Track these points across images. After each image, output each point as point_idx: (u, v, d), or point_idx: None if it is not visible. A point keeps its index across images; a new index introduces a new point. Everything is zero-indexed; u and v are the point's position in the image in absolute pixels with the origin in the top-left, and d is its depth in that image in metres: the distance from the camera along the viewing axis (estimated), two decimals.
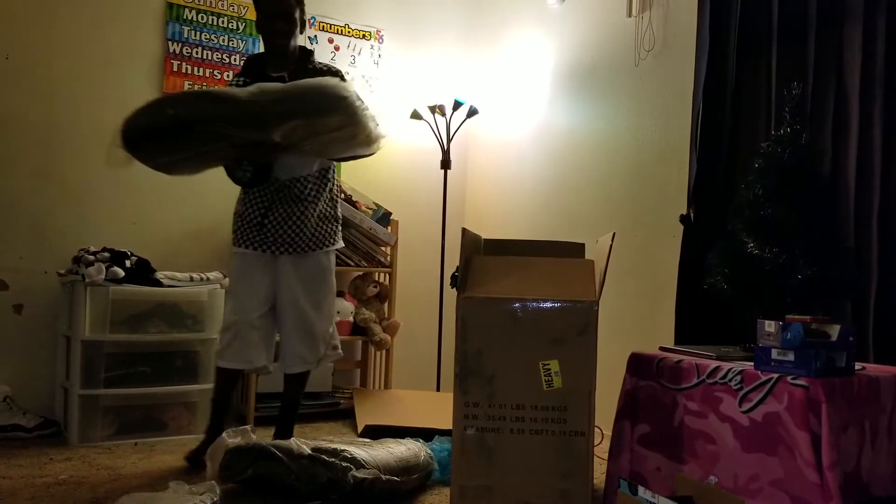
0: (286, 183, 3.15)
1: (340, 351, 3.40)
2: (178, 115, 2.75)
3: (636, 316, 3.81)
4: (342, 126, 2.86)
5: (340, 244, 3.36)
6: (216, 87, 2.84)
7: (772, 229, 2.53)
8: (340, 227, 3.36)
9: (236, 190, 4.23)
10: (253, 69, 3.20)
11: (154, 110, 2.82)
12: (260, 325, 3.20)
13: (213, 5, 4.25)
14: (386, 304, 4.49)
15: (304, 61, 3.21)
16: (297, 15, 3.16)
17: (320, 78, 2.92)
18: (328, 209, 3.27)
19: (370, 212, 4.36)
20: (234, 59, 4.28)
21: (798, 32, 3.08)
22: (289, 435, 3.27)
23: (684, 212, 3.40)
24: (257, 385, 3.97)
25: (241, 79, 3.15)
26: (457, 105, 4.55)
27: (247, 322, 3.18)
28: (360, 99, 2.91)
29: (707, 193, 3.33)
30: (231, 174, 3.13)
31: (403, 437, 3.13)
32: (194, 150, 2.85)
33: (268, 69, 3.15)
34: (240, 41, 4.30)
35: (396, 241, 4.44)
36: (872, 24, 2.85)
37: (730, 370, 2.38)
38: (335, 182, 3.33)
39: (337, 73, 3.19)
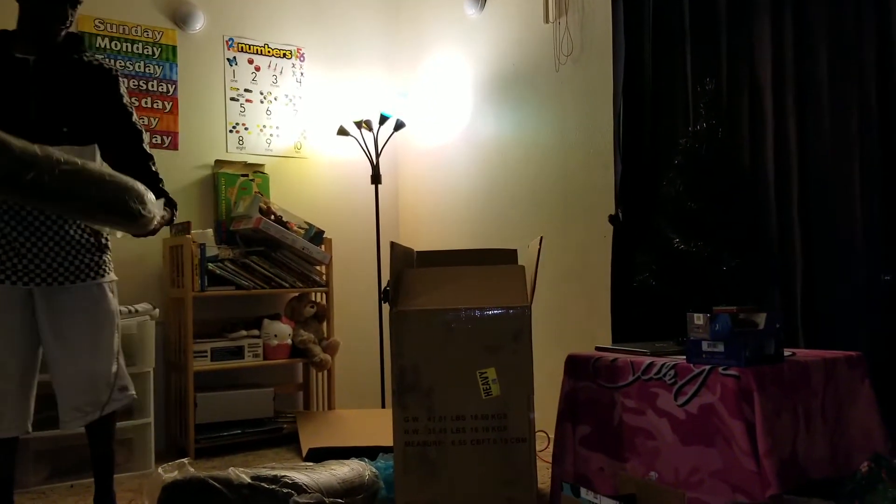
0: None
1: (133, 392, 2.82)
2: None
3: (574, 318, 3.83)
4: (118, 223, 2.47)
5: (112, 276, 2.75)
6: None
7: (695, 224, 2.57)
8: (109, 258, 2.76)
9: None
10: None
11: None
12: (17, 379, 2.60)
13: (127, 32, 4.16)
14: (324, 324, 4.44)
15: (68, 49, 2.64)
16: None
17: (132, 182, 2.41)
18: (85, 237, 2.65)
19: (302, 231, 4.31)
20: (152, 86, 4.20)
21: (710, 29, 3.15)
22: (108, 499, 2.79)
23: (613, 212, 3.44)
24: (196, 416, 3.88)
25: None
26: (383, 119, 4.54)
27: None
28: (153, 209, 2.51)
29: (634, 192, 3.37)
30: None
31: (348, 458, 3.08)
32: None
33: (14, 48, 2.56)
34: (156, 67, 4.22)
35: (331, 260, 4.39)
36: (780, 17, 2.93)
37: (663, 365, 2.40)
38: None
39: (110, 73, 2.71)
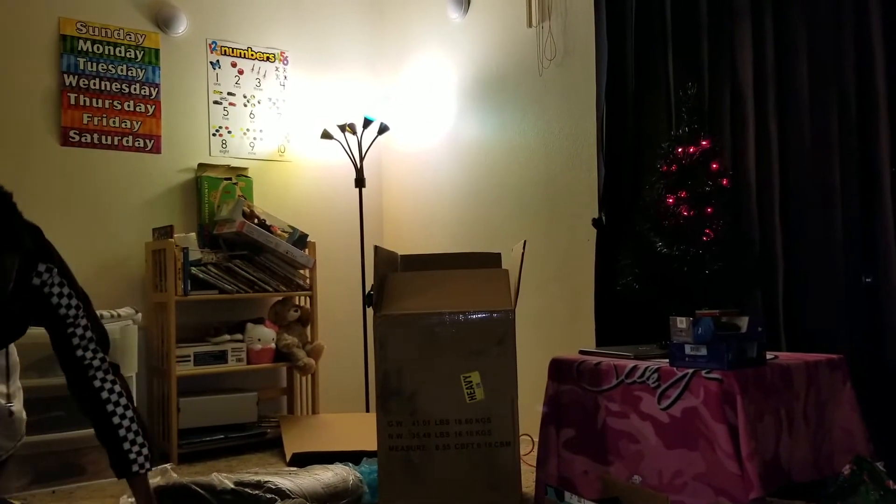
0: None
1: None
2: None
3: (559, 321, 3.84)
4: None
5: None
6: None
7: (677, 227, 2.58)
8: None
9: (145, 222, 4.15)
10: None
11: None
12: None
13: (109, 35, 4.13)
14: (308, 328, 4.42)
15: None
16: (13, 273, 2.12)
17: None
18: None
19: (286, 235, 4.29)
20: (134, 89, 4.18)
21: (691, 34, 3.17)
22: None
23: (596, 215, 3.44)
24: (179, 421, 3.86)
25: None
26: (367, 122, 4.53)
27: None
28: None
29: (617, 195, 3.38)
30: None
31: (332, 463, 3.08)
32: None
33: None
34: (139, 70, 4.20)
35: (315, 264, 4.38)
36: (761, 22, 2.95)
37: (647, 369, 2.40)
38: None
39: (46, 300, 2.29)
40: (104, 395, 2.32)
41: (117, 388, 2.35)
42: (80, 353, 2.34)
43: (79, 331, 2.34)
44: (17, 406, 2.80)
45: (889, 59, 2.61)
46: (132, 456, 2.29)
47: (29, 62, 3.95)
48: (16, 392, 2.82)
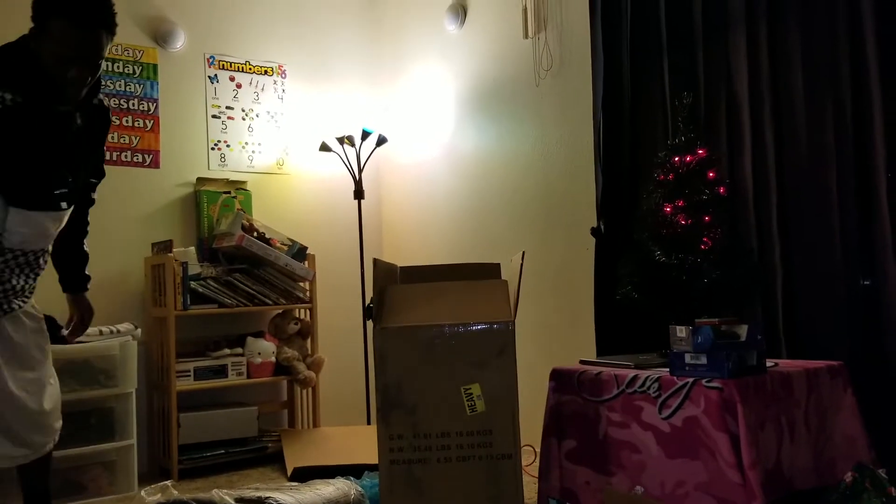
0: None
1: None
2: None
3: (559, 331, 3.83)
4: None
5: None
6: None
7: (675, 236, 2.58)
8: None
9: (144, 237, 4.15)
10: (32, 90, 2.28)
11: None
12: None
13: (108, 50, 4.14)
14: (308, 341, 4.42)
15: (91, 92, 2.45)
16: (105, 54, 2.36)
17: None
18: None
19: (285, 248, 4.29)
20: (133, 104, 4.19)
21: (686, 44, 3.18)
22: None
23: (595, 224, 3.45)
24: (179, 436, 3.85)
25: (9, 95, 2.25)
26: (365, 135, 4.54)
27: None
28: None
29: (615, 205, 3.39)
30: None
31: (333, 477, 3.07)
32: None
33: (54, 101, 2.33)
34: (137, 85, 4.21)
35: (314, 276, 4.38)
36: (755, 30, 2.96)
37: (647, 378, 2.40)
38: None
39: (109, 116, 2.64)
40: (87, 228, 2.78)
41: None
42: (93, 195, 2.75)
43: (100, 173, 2.73)
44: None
45: (883, 66, 2.61)
46: (88, 274, 2.83)
47: None
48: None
